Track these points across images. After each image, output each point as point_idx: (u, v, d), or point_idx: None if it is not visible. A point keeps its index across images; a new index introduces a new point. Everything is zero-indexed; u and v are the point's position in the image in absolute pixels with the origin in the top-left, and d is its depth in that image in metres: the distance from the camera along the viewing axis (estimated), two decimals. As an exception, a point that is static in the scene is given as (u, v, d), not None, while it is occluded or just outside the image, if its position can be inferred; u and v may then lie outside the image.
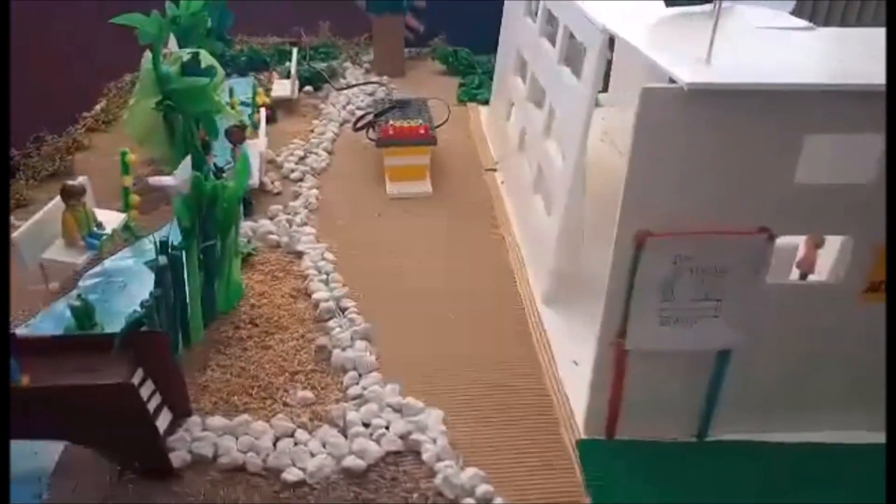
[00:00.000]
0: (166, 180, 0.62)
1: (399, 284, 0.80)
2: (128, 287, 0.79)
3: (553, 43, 0.82)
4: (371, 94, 1.34)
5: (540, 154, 0.82)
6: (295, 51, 1.32)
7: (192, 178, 0.62)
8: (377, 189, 1.01)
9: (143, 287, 0.78)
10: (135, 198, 0.87)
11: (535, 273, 0.79)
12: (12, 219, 0.91)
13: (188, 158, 0.63)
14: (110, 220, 0.82)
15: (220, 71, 0.97)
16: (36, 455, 0.58)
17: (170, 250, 0.63)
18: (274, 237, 0.86)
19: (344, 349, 0.68)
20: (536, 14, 0.96)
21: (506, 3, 1.11)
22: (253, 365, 0.67)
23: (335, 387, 0.64)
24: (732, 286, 0.52)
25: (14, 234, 0.72)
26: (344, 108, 1.27)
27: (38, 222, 0.75)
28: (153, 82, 0.92)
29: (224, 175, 0.98)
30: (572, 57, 0.78)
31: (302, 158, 1.08)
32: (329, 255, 0.83)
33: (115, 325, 0.69)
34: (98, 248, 0.78)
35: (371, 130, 1.06)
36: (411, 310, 0.75)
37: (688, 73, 0.46)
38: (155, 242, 0.64)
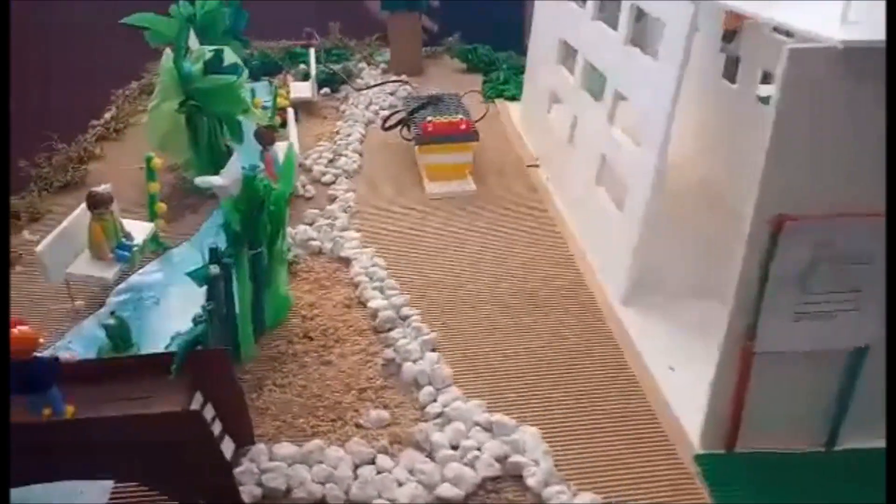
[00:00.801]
0: (215, 180, 0.55)
1: (460, 288, 0.73)
2: (161, 303, 0.72)
3: (612, 26, 0.76)
4: (392, 94, 1.28)
5: (603, 145, 0.76)
6: (312, 51, 1.25)
7: (242, 178, 0.55)
8: (415, 189, 0.94)
9: (177, 302, 0.72)
10: (161, 206, 0.80)
11: (606, 272, 0.73)
12: (25, 234, 0.85)
13: (236, 157, 0.56)
14: (135, 230, 0.75)
15: (244, 69, 0.91)
16: (82, 494, 0.51)
17: (219, 260, 0.57)
18: (316, 243, 0.80)
19: (414, 361, 0.61)
20: (583, -2, 0.90)
21: (536, 6, 1.05)
22: (315, 383, 0.60)
23: (410, 404, 0.58)
24: (875, 275, 0.46)
25: (38, 248, 0.65)
26: (367, 108, 1.21)
27: (63, 234, 0.68)
28: (175, 82, 0.85)
29: (254, 179, 0.91)
30: (636, 39, 0.72)
31: (331, 161, 1.02)
32: (379, 261, 0.76)
33: (151, 346, 0.62)
34: (129, 261, 0.71)
35: (406, 129, 1.00)
36: (478, 316, 0.69)
37: (838, 31, 0.40)
38: (202, 251, 0.57)
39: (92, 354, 0.61)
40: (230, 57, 0.88)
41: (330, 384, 0.59)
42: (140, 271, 0.76)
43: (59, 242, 0.67)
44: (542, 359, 0.63)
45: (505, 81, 1.30)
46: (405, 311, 0.67)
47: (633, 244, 0.67)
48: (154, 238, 0.79)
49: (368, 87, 1.29)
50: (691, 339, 0.63)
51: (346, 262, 0.77)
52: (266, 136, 0.87)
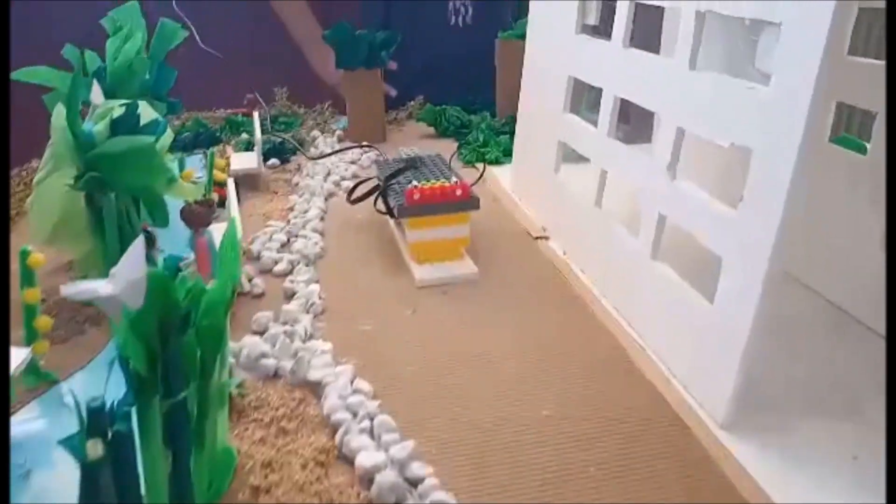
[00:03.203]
0: (93, 287, 0.32)
1: (484, 419, 0.50)
2: (32, 474, 0.47)
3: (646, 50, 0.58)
4: (354, 162, 1.08)
5: (660, 206, 0.56)
6: (257, 117, 1.04)
7: (148, 278, 0.32)
8: (398, 276, 0.72)
9: (61, 471, 0.47)
10: (44, 321, 0.56)
11: (693, 384, 0.52)
12: None
13: (137, 247, 0.33)
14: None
15: (167, 128, 0.69)
16: None
17: (109, 423, 0.33)
18: (270, 362, 0.56)
19: (443, 566, 0.37)
20: (595, 28, 0.73)
21: (529, 37, 0.88)
22: None
23: None
24: None
25: None
26: (325, 179, 1.00)
27: None
28: (69, 148, 0.63)
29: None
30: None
31: (285, 244, 0.79)
32: (363, 384, 0.53)
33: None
34: (-23, 416, 0.46)
35: (380, 200, 0.78)
36: (524, 463, 0.46)
37: None
38: (78, 407, 0.33)
39: None
40: (148, 113, 0.66)
41: None
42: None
43: None
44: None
45: (485, 143, 1.12)
46: (415, 468, 0.44)
47: (738, 348, 0.46)
48: (32, 369, 0.54)
49: (325, 156, 1.08)
50: (837, 470, 0.42)
51: (316, 388, 0.54)
52: (197, 216, 0.64)
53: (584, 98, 0.85)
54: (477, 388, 0.54)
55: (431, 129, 1.27)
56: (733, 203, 0.48)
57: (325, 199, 0.93)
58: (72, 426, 0.52)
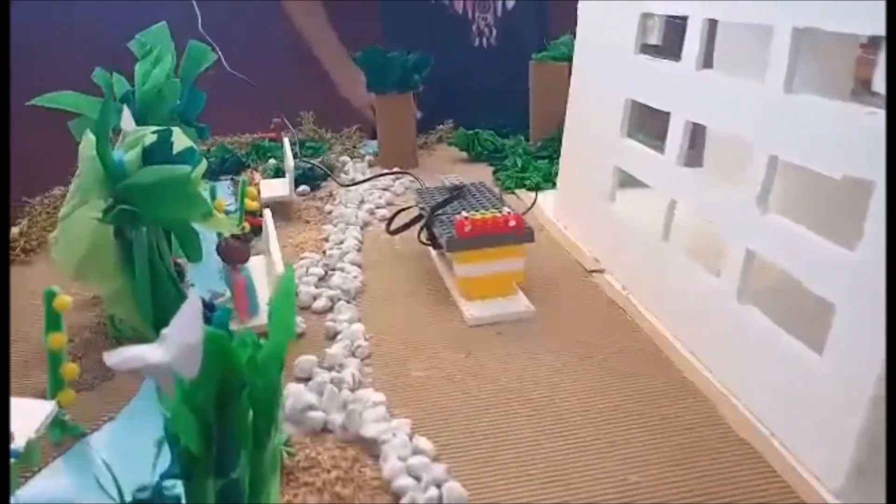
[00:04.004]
0: (141, 353, 0.27)
1: (563, 483, 0.45)
2: (59, 547, 0.42)
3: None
4: (387, 189, 1.04)
5: (747, 240, 0.51)
6: (287, 142, 1.00)
7: (205, 341, 0.27)
8: (447, 313, 0.67)
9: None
10: (71, 367, 0.51)
11: (799, 445, 0.46)
12: None
13: (192, 305, 0.28)
14: (20, 420, 0.45)
15: (202, 157, 0.64)
16: None
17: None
18: (318, 415, 0.51)
19: None
20: (657, 48, 0.68)
21: (578, 58, 0.83)
22: None
23: None
24: None
25: None
26: (359, 207, 0.95)
27: None
28: (98, 178, 0.58)
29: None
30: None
31: (323, 278, 0.74)
32: (424, 443, 0.47)
33: None
34: (-2, 484, 0.41)
35: (425, 231, 0.73)
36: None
37: None
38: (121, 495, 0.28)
39: None
40: (182, 141, 0.62)
41: None
42: (28, 485, 0.46)
43: None
44: None
45: (523, 169, 1.07)
46: (496, 548, 0.39)
47: (858, 408, 0.40)
48: (58, 422, 0.49)
49: (357, 183, 1.04)
50: None
51: (371, 446, 0.48)
52: (236, 252, 0.59)
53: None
54: (549, 447, 0.48)
55: (462, 154, 1.23)
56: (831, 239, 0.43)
57: (361, 229, 0.88)
58: (94, 489, 0.47)
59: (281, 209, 0.94)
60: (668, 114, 0.63)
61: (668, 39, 0.66)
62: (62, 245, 0.61)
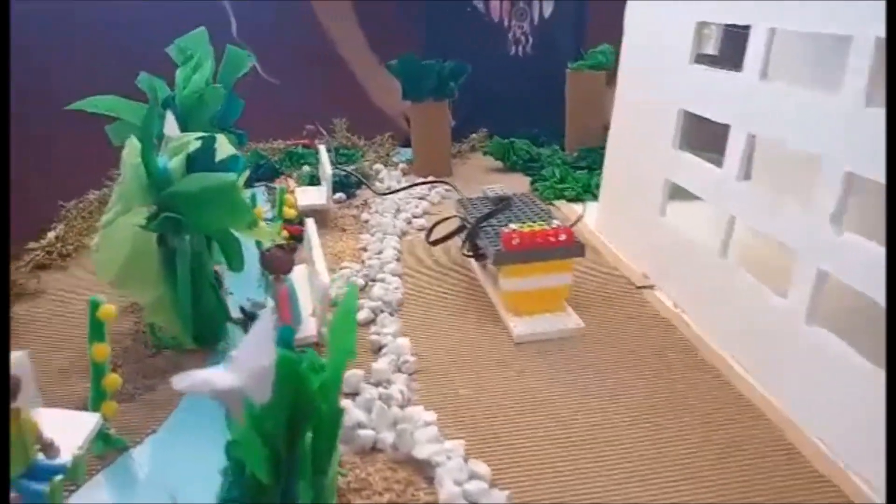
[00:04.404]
0: (209, 377, 0.25)
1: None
2: (103, 569, 0.40)
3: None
4: (423, 198, 1.02)
5: (819, 259, 0.48)
6: (323, 149, 0.99)
7: (279, 364, 0.25)
8: (490, 327, 0.65)
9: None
10: (113, 379, 0.49)
11: (862, 460, 0.43)
12: None
13: (263, 327, 0.26)
14: (65, 432, 0.44)
15: (245, 165, 0.63)
16: None
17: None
18: (368, 433, 0.49)
19: None
20: (713, 58, 0.66)
21: (623, 68, 0.81)
22: None
23: None
24: None
25: None
26: (395, 216, 0.94)
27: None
28: (142, 185, 0.57)
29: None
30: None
31: (364, 289, 0.73)
32: (480, 468, 0.45)
33: None
34: (47, 500, 0.39)
35: (468, 244, 0.72)
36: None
37: None
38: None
39: None
40: (225, 147, 0.60)
41: None
42: (70, 500, 0.45)
43: None
44: None
45: (562, 179, 1.05)
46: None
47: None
48: (101, 435, 0.48)
49: (394, 192, 1.02)
50: None
51: (423, 467, 0.46)
52: (280, 263, 0.58)
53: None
54: (611, 473, 0.46)
55: (496, 163, 1.21)
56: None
57: (399, 239, 0.86)
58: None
59: (317, 217, 0.92)
60: (715, 125, 0.61)
61: (726, 49, 0.64)
62: (103, 252, 0.60)
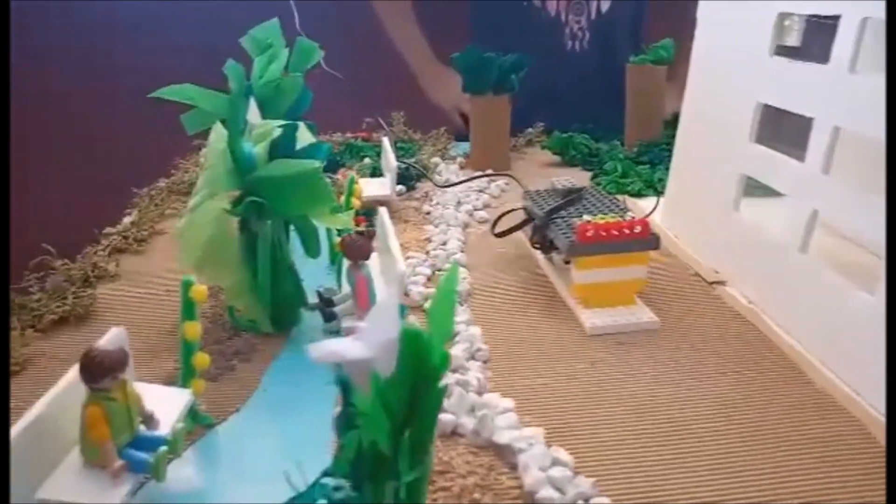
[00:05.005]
0: (342, 348, 0.26)
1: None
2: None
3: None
4: (482, 191, 1.02)
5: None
6: (386, 141, 1.00)
7: (403, 338, 0.26)
8: (559, 318, 0.65)
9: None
10: (202, 357, 0.51)
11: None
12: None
13: (390, 302, 0.27)
14: (163, 407, 0.45)
15: (328, 152, 0.64)
16: None
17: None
18: (448, 417, 0.49)
19: None
20: (795, 50, 0.64)
21: (696, 60, 0.80)
22: None
23: None
24: None
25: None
26: (457, 208, 0.94)
27: (37, 426, 0.38)
28: (228, 171, 0.59)
29: (337, 310, 0.63)
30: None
31: (430, 278, 0.73)
32: (562, 454, 0.46)
33: None
34: (151, 470, 0.41)
35: (537, 236, 0.72)
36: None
37: None
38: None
39: None
40: (306, 135, 0.62)
41: None
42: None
43: (27, 444, 0.37)
44: None
45: (624, 174, 1.04)
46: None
47: None
48: (191, 412, 0.49)
49: (454, 184, 1.03)
50: None
51: (504, 453, 0.47)
52: (360, 249, 0.59)
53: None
54: (691, 466, 0.46)
55: (554, 157, 1.20)
56: None
57: (463, 230, 0.87)
58: (230, 480, 0.47)
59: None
60: (788, 118, 0.60)
61: (810, 40, 0.63)
62: (187, 234, 0.61)
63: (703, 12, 0.79)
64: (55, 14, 1.75)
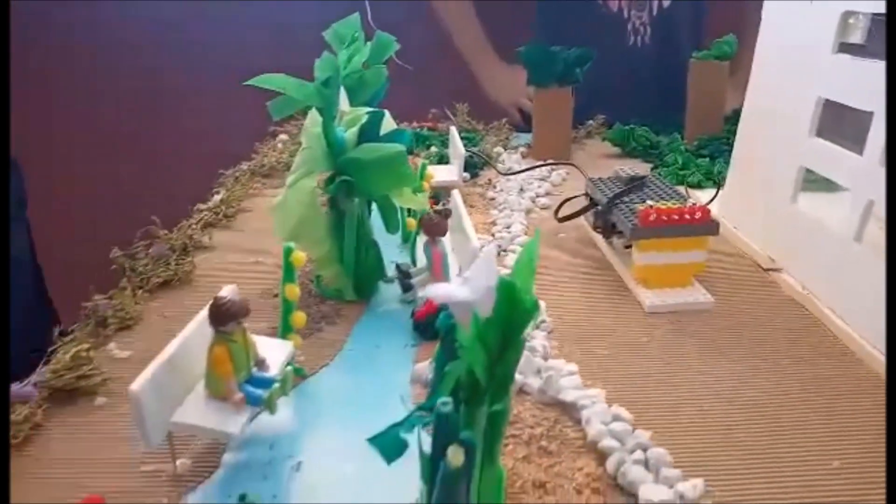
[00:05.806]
0: (451, 290, 0.31)
1: (764, 466, 0.46)
2: (303, 466, 0.48)
3: None
4: (544, 180, 1.07)
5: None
6: (453, 130, 1.05)
7: (500, 287, 0.32)
8: (619, 297, 0.69)
9: (325, 465, 0.48)
10: (300, 316, 0.57)
11: None
12: (113, 347, 0.63)
13: (490, 254, 0.32)
14: (271, 354, 0.52)
15: (412, 139, 0.70)
16: None
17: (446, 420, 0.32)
18: (517, 376, 0.55)
19: None
20: (860, 48, 0.67)
21: (759, 56, 0.83)
22: None
23: None
24: None
25: (133, 387, 0.42)
26: (519, 195, 0.99)
27: (170, 364, 0.45)
28: (323, 153, 0.65)
29: (414, 282, 0.68)
30: None
31: (497, 257, 0.79)
32: (621, 411, 0.50)
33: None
34: (264, 404, 0.47)
35: (600, 220, 0.76)
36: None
37: None
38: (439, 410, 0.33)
39: None
40: (390, 123, 0.68)
41: None
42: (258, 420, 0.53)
43: (163, 377, 0.44)
44: None
45: (684, 166, 1.07)
46: (708, 509, 0.41)
47: None
48: (291, 364, 0.56)
49: (517, 172, 1.08)
50: None
51: (569, 409, 0.52)
52: (437, 226, 0.64)
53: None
54: (746, 434, 0.50)
55: (614, 149, 1.24)
56: None
57: (525, 215, 0.92)
58: (324, 424, 0.53)
59: (447, 193, 0.99)
60: (847, 114, 0.62)
61: (874, 38, 0.65)
62: (282, 209, 0.68)
63: (767, 9, 0.82)
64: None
